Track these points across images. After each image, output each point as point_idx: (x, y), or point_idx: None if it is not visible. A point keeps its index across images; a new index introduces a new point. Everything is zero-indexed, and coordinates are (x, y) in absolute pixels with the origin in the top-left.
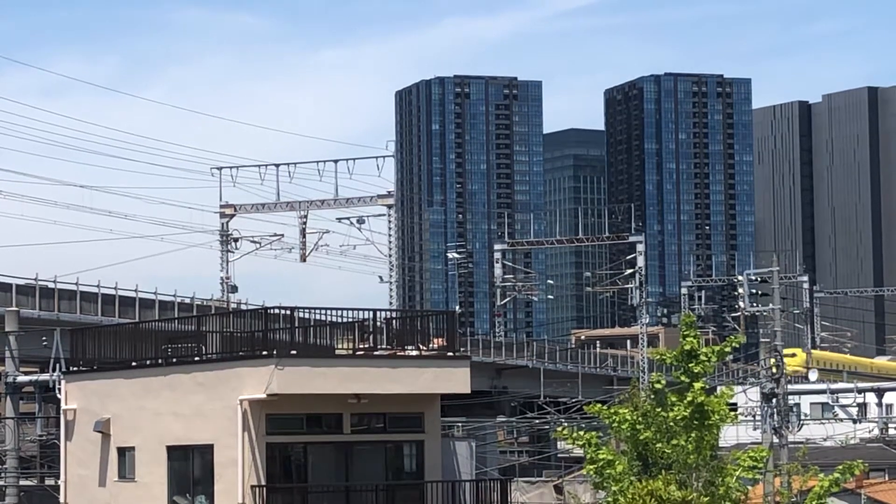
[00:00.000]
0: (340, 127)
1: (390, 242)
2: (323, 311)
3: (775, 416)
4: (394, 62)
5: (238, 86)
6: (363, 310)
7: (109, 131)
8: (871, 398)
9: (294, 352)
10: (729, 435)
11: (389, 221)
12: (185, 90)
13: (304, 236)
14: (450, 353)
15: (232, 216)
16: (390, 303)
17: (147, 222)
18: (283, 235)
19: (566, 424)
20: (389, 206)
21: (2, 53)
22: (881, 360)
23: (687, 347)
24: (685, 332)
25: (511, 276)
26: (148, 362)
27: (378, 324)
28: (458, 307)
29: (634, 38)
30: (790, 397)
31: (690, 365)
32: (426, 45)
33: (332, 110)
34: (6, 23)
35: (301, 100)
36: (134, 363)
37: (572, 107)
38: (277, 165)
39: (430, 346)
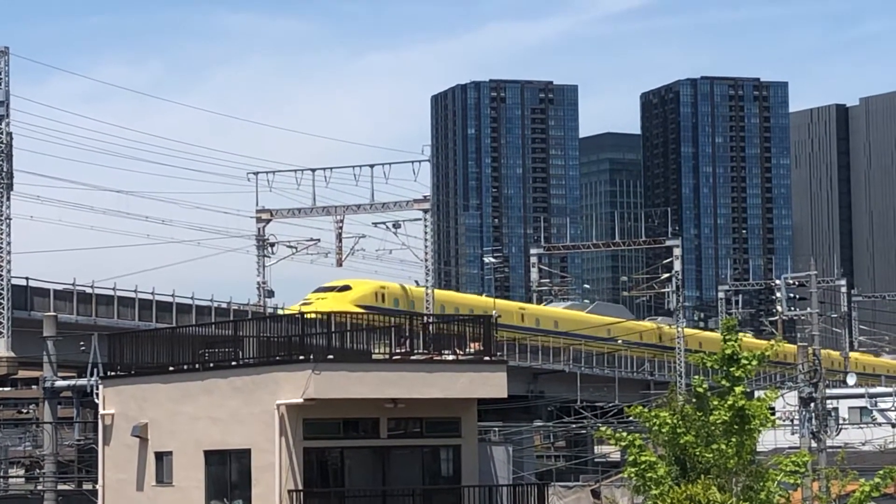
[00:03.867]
0: (379, 131)
1: (426, 247)
2: (359, 316)
3: (813, 420)
4: (435, 67)
5: (280, 90)
6: (400, 313)
7: (149, 137)
8: None
9: (331, 356)
10: (766, 439)
11: (425, 226)
12: (227, 95)
13: (340, 241)
14: (486, 358)
15: (268, 221)
16: (426, 307)
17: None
18: (319, 240)
19: (607, 427)
20: (425, 211)
21: (45, 60)
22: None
23: (728, 351)
24: (726, 336)
25: (547, 280)
26: (185, 367)
27: (415, 328)
28: (494, 312)
29: (674, 41)
30: (828, 401)
31: (731, 369)
32: (468, 49)
33: (371, 115)
34: (49, 29)
35: (341, 105)
36: (171, 368)
37: (609, 110)
38: (314, 170)
39: (467, 350)
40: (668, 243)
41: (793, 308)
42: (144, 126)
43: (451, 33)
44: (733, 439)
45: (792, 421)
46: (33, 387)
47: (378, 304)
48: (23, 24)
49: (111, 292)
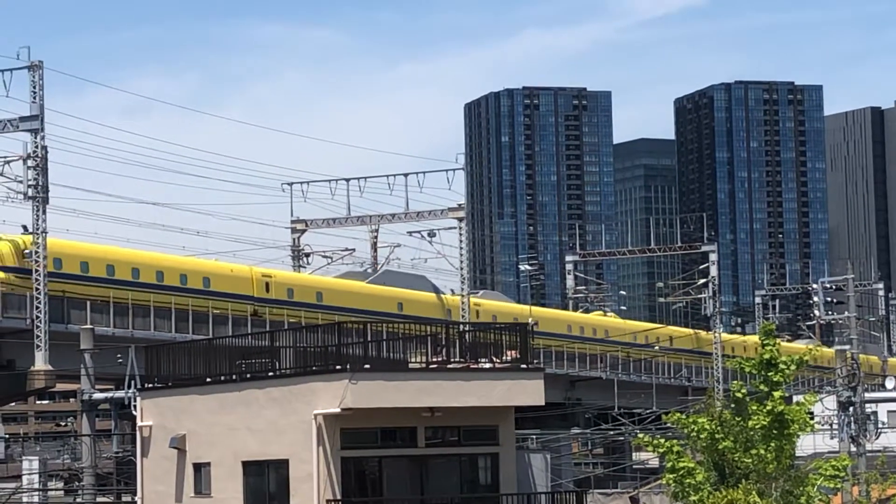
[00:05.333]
0: (413, 140)
1: (461, 255)
2: (396, 325)
3: (852, 424)
4: (470, 75)
5: (315, 101)
6: (437, 322)
7: (186, 149)
8: None
9: (367, 366)
10: (805, 444)
11: (460, 234)
12: (263, 106)
13: (375, 250)
14: (523, 366)
15: (303, 231)
16: (462, 315)
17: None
18: (354, 250)
19: (645, 433)
20: (460, 219)
21: (82, 73)
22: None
23: (766, 356)
24: (764, 341)
25: (583, 287)
26: (222, 378)
27: (451, 337)
28: (530, 319)
29: (708, 46)
30: (867, 405)
31: (769, 374)
32: (503, 57)
33: (406, 124)
34: (86, 42)
35: (376, 114)
36: (208, 379)
37: (643, 116)
38: (348, 180)
39: (504, 358)
40: (704, 249)
41: (830, 312)
42: (181, 139)
43: (485, 41)
44: (772, 444)
45: (831, 425)
46: (71, 400)
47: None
48: (61, 37)
49: (148, 304)
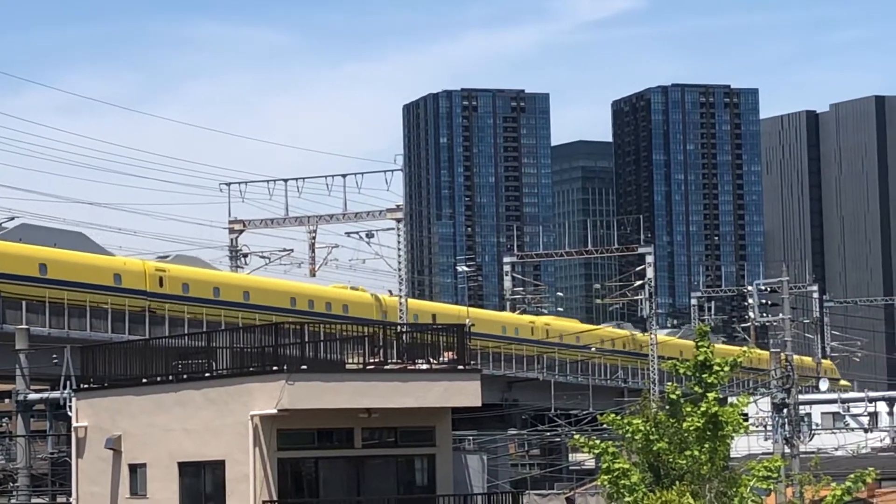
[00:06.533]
0: (353, 142)
1: (399, 256)
2: (333, 326)
3: (786, 425)
4: (411, 76)
5: (255, 101)
6: (373, 323)
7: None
8: (882, 407)
9: (304, 367)
10: (740, 445)
11: (398, 235)
12: (202, 106)
13: (313, 251)
14: (460, 367)
15: (241, 232)
16: (400, 317)
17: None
18: (292, 250)
19: (581, 434)
20: (398, 220)
21: (19, 72)
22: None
23: (701, 358)
24: (699, 343)
25: (521, 288)
26: (158, 379)
27: (388, 338)
28: (468, 321)
29: (647, 50)
30: (801, 407)
31: (704, 375)
32: (444, 59)
33: (346, 125)
34: (23, 40)
35: (315, 115)
36: (144, 380)
37: (581, 119)
38: (286, 180)
39: (441, 359)
40: (641, 251)
41: (765, 314)
42: (118, 138)
43: (427, 42)
44: (706, 445)
45: (765, 427)
46: (6, 400)
47: None
48: None
49: (84, 304)
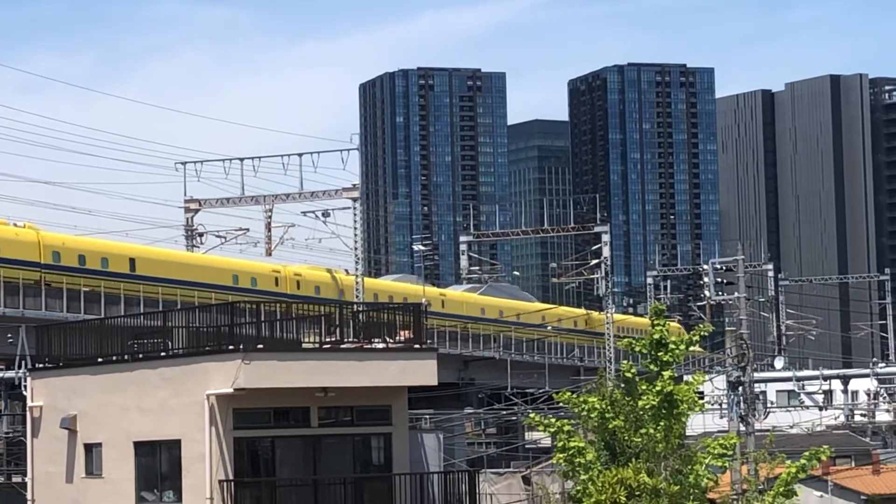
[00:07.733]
0: (309, 120)
1: (356, 235)
2: (289, 305)
3: (742, 404)
4: (368, 55)
5: (212, 80)
6: (330, 302)
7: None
8: (836, 385)
9: (260, 346)
10: (695, 423)
11: (355, 214)
12: (160, 85)
13: (269, 230)
14: (416, 346)
15: (197, 211)
16: (356, 296)
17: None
18: (248, 230)
19: (537, 413)
20: (354, 199)
21: None
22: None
23: (656, 336)
24: (654, 321)
25: (477, 267)
26: (114, 358)
27: (345, 317)
28: (424, 300)
29: (603, 29)
30: (756, 385)
31: (659, 354)
32: (401, 38)
33: (302, 104)
34: None
35: (272, 93)
36: (100, 359)
37: (537, 98)
38: (242, 159)
39: (397, 338)
40: (597, 230)
41: (721, 293)
42: (76, 117)
43: (384, 21)
44: (662, 423)
45: (720, 405)
46: None
47: None
48: None
49: (38, 284)
